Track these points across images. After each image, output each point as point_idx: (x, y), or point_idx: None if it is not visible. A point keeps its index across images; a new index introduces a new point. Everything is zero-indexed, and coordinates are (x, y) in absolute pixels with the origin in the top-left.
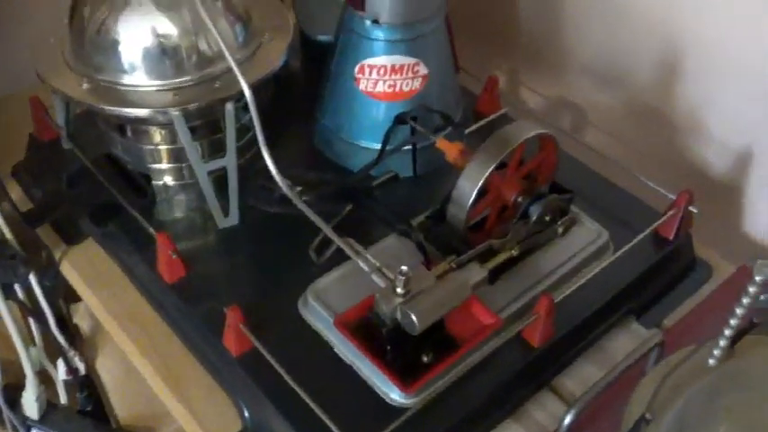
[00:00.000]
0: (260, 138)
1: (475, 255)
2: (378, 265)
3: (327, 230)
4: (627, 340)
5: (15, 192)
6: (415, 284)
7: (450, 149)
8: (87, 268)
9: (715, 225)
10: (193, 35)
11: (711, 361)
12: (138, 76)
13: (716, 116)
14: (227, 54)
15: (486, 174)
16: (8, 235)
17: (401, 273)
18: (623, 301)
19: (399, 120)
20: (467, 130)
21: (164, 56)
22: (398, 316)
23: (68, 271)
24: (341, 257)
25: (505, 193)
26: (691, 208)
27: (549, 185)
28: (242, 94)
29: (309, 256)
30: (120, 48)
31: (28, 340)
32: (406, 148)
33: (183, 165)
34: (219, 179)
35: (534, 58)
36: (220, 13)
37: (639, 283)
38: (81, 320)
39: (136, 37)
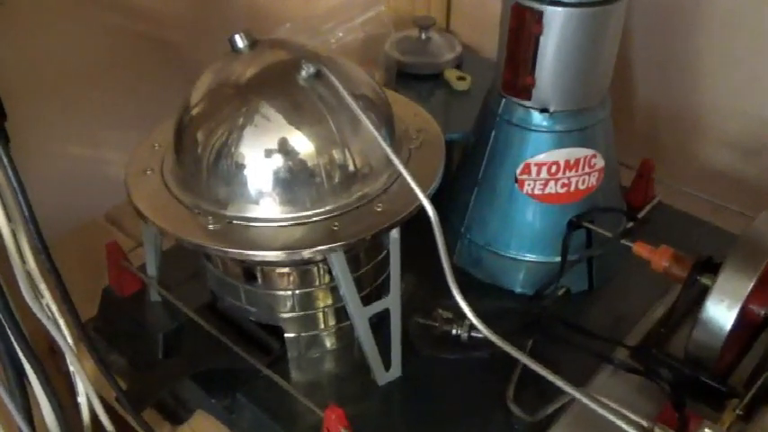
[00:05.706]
0: (446, 266)
1: (754, 396)
2: (646, 424)
3: (561, 383)
4: None
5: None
6: None
7: (656, 257)
8: None
9: None
10: (341, 149)
11: None
12: (279, 208)
13: None
14: (398, 164)
15: (748, 292)
16: (109, 426)
17: None
18: None
19: (574, 225)
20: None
21: (312, 179)
22: None
23: None
24: (538, 401)
25: (754, 308)
26: None
27: None
28: (411, 215)
29: (506, 407)
30: (257, 176)
31: None
32: (575, 256)
33: (320, 311)
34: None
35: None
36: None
37: None
38: None
39: (275, 161)
